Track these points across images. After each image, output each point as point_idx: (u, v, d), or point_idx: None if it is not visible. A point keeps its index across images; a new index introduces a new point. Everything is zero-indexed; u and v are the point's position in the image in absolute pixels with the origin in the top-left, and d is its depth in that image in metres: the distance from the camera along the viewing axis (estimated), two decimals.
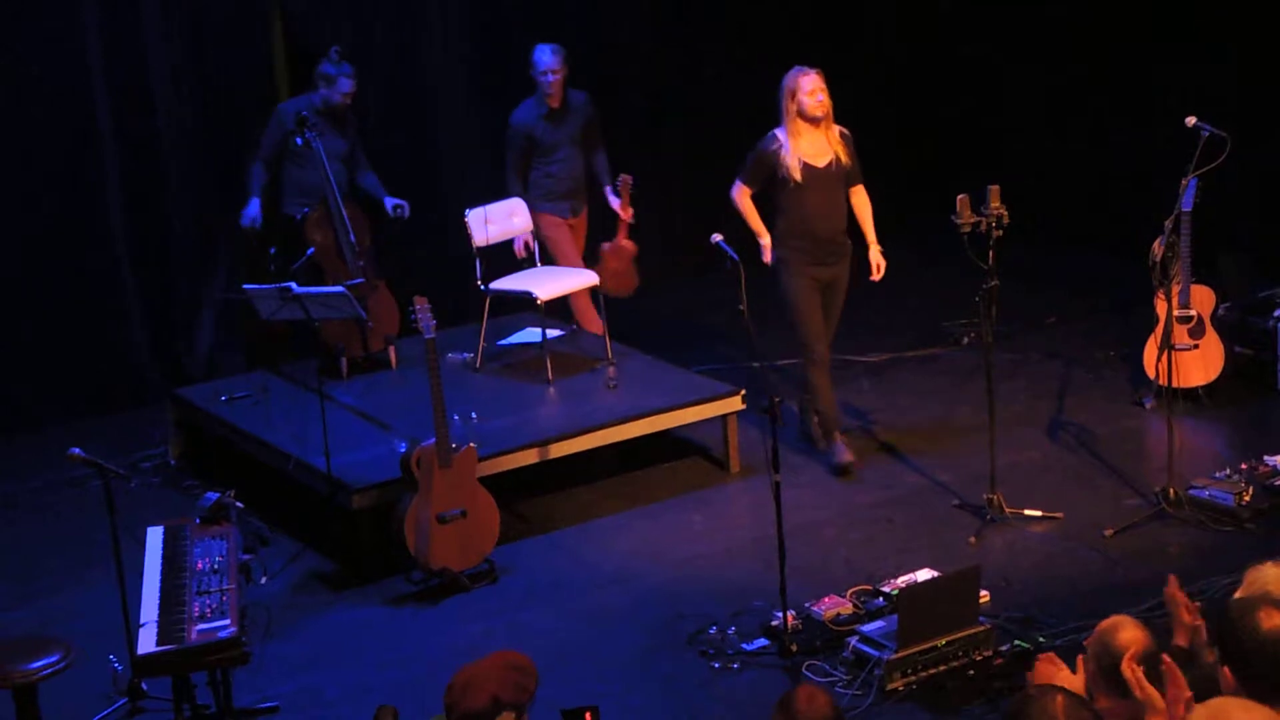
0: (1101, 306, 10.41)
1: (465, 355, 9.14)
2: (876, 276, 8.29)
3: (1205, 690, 4.19)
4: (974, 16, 11.80)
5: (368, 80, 10.25)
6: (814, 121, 8.05)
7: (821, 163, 8.09)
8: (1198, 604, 4.96)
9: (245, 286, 8.09)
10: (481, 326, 9.03)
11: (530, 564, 7.67)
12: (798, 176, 8.04)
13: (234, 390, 8.90)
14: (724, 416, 8.50)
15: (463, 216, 9.06)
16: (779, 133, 8.09)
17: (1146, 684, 4.22)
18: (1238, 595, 4.49)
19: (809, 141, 8.08)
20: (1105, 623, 4.51)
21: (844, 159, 8.14)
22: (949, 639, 6.36)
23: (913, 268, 9.86)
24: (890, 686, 6.26)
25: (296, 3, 10.07)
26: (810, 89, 7.99)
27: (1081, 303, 10.57)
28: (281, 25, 9.99)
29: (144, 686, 6.51)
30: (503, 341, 9.32)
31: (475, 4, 10.55)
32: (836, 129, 8.15)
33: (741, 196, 8.26)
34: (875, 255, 8.26)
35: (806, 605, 6.88)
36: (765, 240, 8.22)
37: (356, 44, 10.18)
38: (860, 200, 8.30)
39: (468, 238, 9.01)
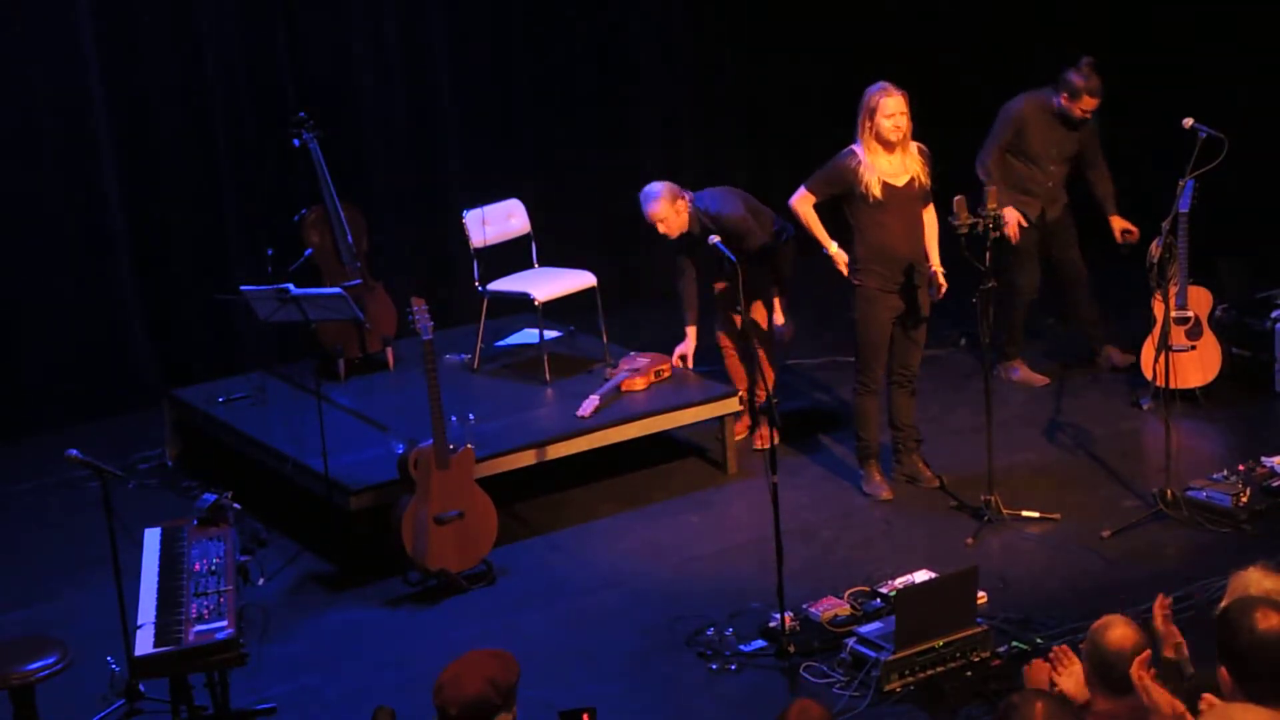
0: (1098, 308, 10.40)
1: (463, 356, 9.13)
2: (939, 296, 7.92)
3: (1190, 701, 4.21)
4: (970, 15, 11.80)
5: (366, 81, 10.26)
6: (888, 146, 7.67)
7: (901, 181, 7.72)
8: (1169, 608, 4.95)
9: (242, 288, 8.08)
10: (479, 327, 9.03)
11: (528, 565, 7.66)
12: (878, 193, 7.66)
13: (231, 391, 8.90)
14: (721, 418, 8.51)
15: (461, 217, 9.07)
16: (856, 148, 7.72)
17: (1153, 688, 4.24)
18: (1225, 601, 4.51)
19: (887, 160, 7.70)
20: (1097, 623, 4.55)
21: (923, 179, 7.78)
22: (946, 640, 6.36)
23: None
24: (888, 688, 6.26)
25: (300, 3, 10.08)
26: (890, 112, 7.59)
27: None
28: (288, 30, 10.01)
29: (141, 688, 6.50)
30: (500, 343, 9.32)
31: (477, 5, 10.54)
32: (914, 146, 7.78)
33: (804, 204, 7.86)
34: (938, 275, 7.85)
35: (804, 606, 6.88)
36: (833, 249, 7.87)
37: (361, 44, 10.18)
38: (929, 218, 7.88)
39: (465, 239, 9.02)
